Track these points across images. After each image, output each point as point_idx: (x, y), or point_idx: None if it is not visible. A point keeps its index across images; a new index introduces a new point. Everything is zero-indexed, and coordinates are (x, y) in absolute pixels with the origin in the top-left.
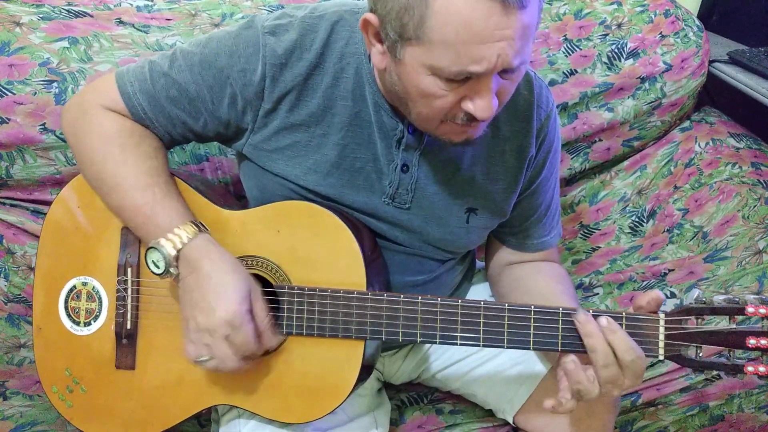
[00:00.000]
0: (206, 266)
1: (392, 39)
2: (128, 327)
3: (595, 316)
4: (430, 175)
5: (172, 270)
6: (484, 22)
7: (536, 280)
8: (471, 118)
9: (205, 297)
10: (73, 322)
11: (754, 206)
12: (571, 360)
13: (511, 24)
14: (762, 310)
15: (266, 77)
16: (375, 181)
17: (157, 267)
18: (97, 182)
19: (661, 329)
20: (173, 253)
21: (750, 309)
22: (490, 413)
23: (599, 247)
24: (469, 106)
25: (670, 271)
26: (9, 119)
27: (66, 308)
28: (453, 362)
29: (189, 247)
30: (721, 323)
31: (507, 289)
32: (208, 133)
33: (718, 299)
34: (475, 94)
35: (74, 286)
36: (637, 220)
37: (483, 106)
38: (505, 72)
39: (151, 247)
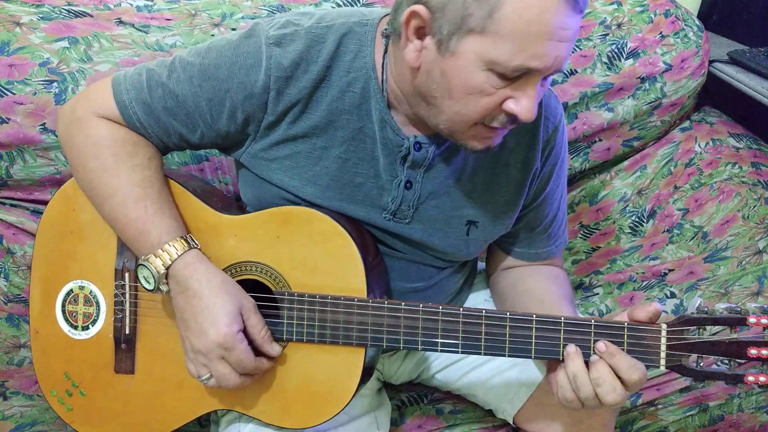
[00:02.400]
0: (194, 286)
1: (446, 31)
2: (126, 332)
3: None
4: (432, 191)
5: (162, 287)
6: (553, 19)
7: (532, 282)
8: (510, 122)
9: (195, 318)
10: (71, 326)
11: (754, 206)
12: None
13: (572, 25)
14: (764, 321)
15: (270, 90)
16: (375, 197)
17: (148, 283)
18: (90, 191)
19: (663, 339)
20: (162, 270)
21: (752, 320)
22: (490, 413)
23: (599, 247)
24: (512, 107)
25: (670, 271)
26: (9, 119)
27: (63, 312)
28: (452, 362)
29: (178, 264)
30: (723, 332)
31: (502, 288)
32: (205, 144)
33: (720, 308)
34: (522, 94)
35: (71, 290)
36: (637, 220)
37: (528, 107)
38: (546, 78)
39: (141, 264)
